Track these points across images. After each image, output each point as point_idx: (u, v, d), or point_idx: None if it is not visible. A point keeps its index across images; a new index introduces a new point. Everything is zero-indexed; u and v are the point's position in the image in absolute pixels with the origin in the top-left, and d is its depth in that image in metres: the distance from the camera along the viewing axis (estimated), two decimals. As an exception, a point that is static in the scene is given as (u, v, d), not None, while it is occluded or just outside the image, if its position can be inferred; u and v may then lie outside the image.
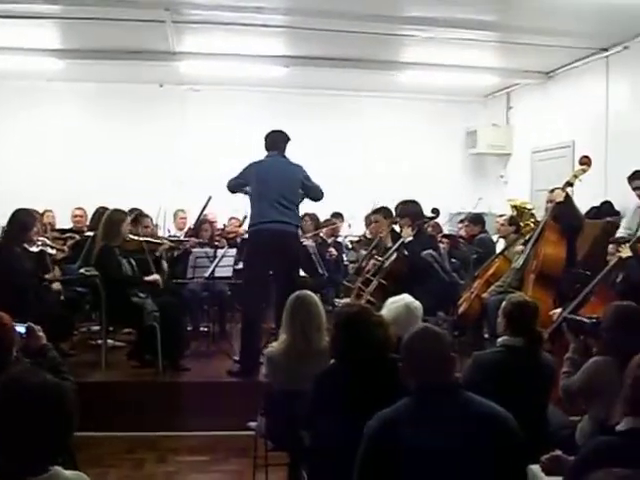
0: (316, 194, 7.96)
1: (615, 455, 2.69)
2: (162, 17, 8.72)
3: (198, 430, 7.02)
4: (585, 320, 5.06)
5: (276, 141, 7.86)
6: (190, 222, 10.32)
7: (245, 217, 10.34)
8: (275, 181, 7.64)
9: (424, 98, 13.18)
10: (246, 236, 10.03)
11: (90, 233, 8.76)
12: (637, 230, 7.58)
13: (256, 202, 7.67)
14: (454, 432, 3.08)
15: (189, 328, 9.12)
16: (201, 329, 9.53)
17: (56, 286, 7.96)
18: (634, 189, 8.16)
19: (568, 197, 8.06)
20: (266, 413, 5.27)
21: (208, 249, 8.97)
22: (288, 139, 7.90)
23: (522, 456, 3.33)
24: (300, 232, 8.63)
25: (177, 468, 6.42)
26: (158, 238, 9.05)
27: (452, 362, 3.36)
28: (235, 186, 7.87)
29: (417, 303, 5.31)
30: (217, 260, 8.60)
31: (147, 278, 7.91)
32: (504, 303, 5.00)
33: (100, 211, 8.68)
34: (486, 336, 8.16)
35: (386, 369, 3.92)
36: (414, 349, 3.36)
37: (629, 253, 7.06)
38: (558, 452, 3.85)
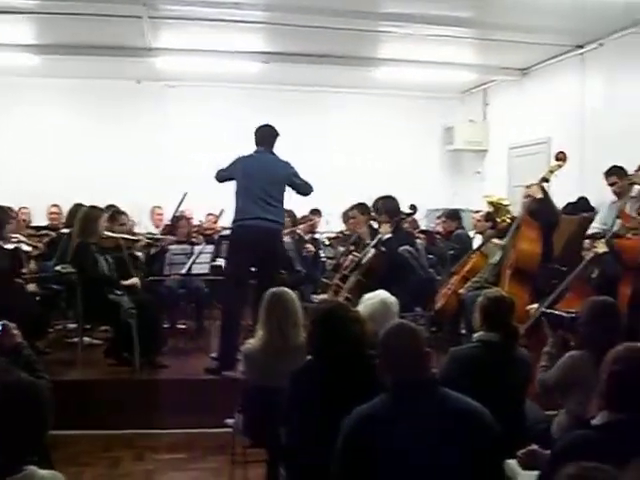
0: (306, 190, 7.94)
1: (591, 449, 2.70)
2: (139, 13, 8.69)
3: (176, 428, 6.98)
4: (564, 315, 5.10)
5: (265, 136, 7.81)
6: (167, 218, 10.27)
7: (222, 212, 10.34)
8: (261, 178, 7.60)
9: (401, 94, 13.19)
10: (223, 232, 10.04)
11: (66, 230, 8.69)
12: (612, 225, 7.63)
13: (241, 198, 7.61)
14: (431, 428, 3.08)
15: (166, 325, 9.09)
16: (178, 326, 9.46)
17: (32, 287, 7.92)
18: (610, 185, 8.22)
19: (544, 193, 8.10)
20: (243, 410, 5.26)
21: (185, 246, 8.93)
22: (277, 134, 7.86)
23: (499, 451, 3.34)
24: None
25: (154, 466, 6.39)
26: (135, 235, 9.01)
27: (428, 358, 3.36)
28: (222, 177, 7.84)
29: (393, 299, 5.30)
30: (194, 257, 8.58)
31: (125, 282, 7.87)
32: (480, 298, 5.00)
33: (76, 208, 8.61)
34: (463, 332, 8.18)
35: (363, 365, 3.92)
36: (390, 345, 3.36)
37: (605, 248, 7.10)
38: (534, 446, 3.87)
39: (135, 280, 7.99)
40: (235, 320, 7.62)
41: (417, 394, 3.20)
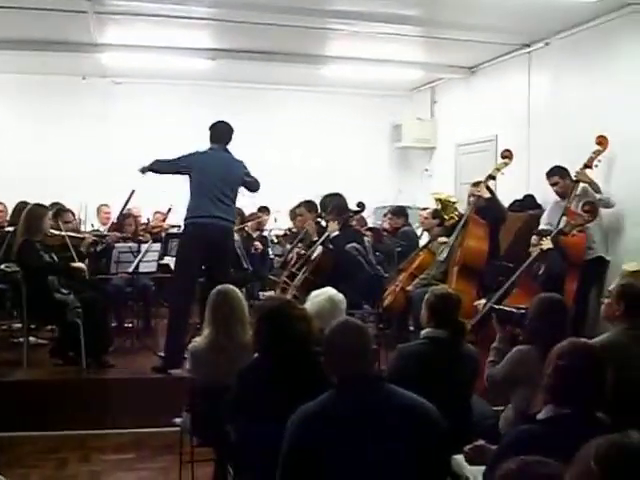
0: (256, 187, 7.95)
1: (536, 443, 2.72)
2: (84, 7, 8.56)
3: (123, 428, 6.94)
4: (514, 310, 5.13)
5: (222, 133, 7.77)
6: (114, 216, 10.17)
7: (169, 210, 10.27)
8: (217, 176, 7.56)
9: (350, 92, 13.20)
10: (171, 230, 9.97)
11: (10, 228, 8.56)
12: (558, 223, 7.72)
13: (196, 195, 7.54)
14: (376, 424, 3.09)
15: (113, 324, 9.04)
16: (125, 325, 9.39)
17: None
18: (552, 185, 8.32)
19: (491, 190, 8.18)
20: (191, 409, 5.23)
21: (132, 244, 8.84)
22: (232, 131, 7.82)
23: (445, 447, 3.35)
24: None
25: (102, 467, 6.32)
26: (80, 233, 8.90)
27: (374, 355, 3.38)
28: (168, 167, 7.71)
29: (340, 296, 5.30)
30: (141, 255, 8.51)
31: (73, 264, 7.76)
32: (427, 295, 5.03)
33: (20, 206, 8.48)
34: (411, 328, 8.21)
35: (309, 363, 3.91)
36: (335, 342, 3.36)
37: (550, 245, 7.19)
38: (481, 442, 3.89)
39: (82, 264, 7.89)
40: (183, 318, 7.57)
41: (362, 391, 3.20)
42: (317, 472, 3.06)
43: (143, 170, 7.72)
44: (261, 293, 8.77)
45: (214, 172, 7.55)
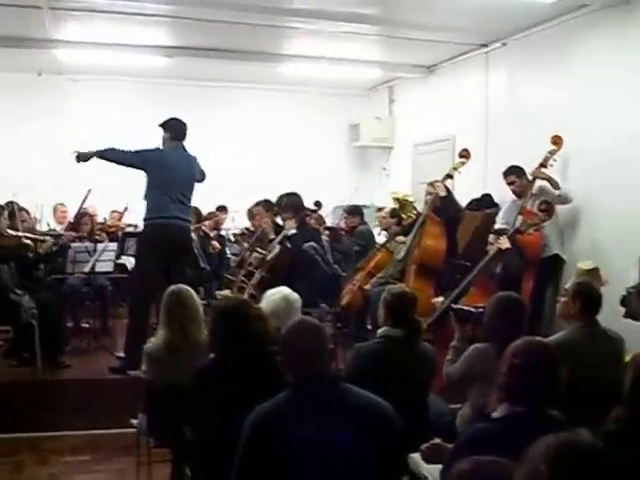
0: (203, 177, 7.93)
1: (491, 442, 2.72)
2: (39, 3, 8.46)
3: (80, 429, 6.86)
4: (472, 310, 5.16)
5: (181, 130, 7.69)
6: (71, 216, 10.05)
7: (126, 209, 10.18)
8: (179, 176, 7.50)
9: (308, 91, 13.19)
10: (128, 229, 9.89)
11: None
12: (514, 222, 7.77)
13: (157, 195, 7.44)
14: (332, 424, 3.08)
15: (69, 324, 8.91)
16: (82, 325, 9.27)
17: None
18: (509, 184, 8.38)
19: (447, 190, 8.21)
20: (147, 410, 5.20)
21: (88, 243, 8.75)
22: (187, 128, 7.76)
23: (402, 445, 3.35)
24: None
25: (59, 470, 6.25)
26: (36, 232, 8.79)
27: (330, 354, 3.36)
28: (122, 158, 7.51)
29: (295, 295, 5.30)
30: (97, 254, 8.43)
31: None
32: (383, 294, 5.04)
33: (-27, 206, 8.37)
34: (369, 327, 8.22)
35: (266, 362, 3.90)
36: (291, 342, 3.35)
37: (508, 244, 7.24)
38: (438, 440, 3.90)
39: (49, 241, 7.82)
40: (144, 319, 7.50)
41: (318, 390, 3.19)
42: (273, 472, 3.05)
43: (82, 157, 7.54)
44: (218, 292, 8.72)
45: (175, 172, 7.48)
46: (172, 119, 7.75)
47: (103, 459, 6.44)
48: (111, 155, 7.51)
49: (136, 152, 7.49)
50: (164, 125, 7.71)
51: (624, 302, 2.69)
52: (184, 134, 7.71)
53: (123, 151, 7.51)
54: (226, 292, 8.40)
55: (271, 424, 3.10)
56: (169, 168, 7.46)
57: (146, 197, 7.54)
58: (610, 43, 7.83)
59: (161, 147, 7.68)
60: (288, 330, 3.39)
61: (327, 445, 3.03)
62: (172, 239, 7.39)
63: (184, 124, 7.74)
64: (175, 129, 7.68)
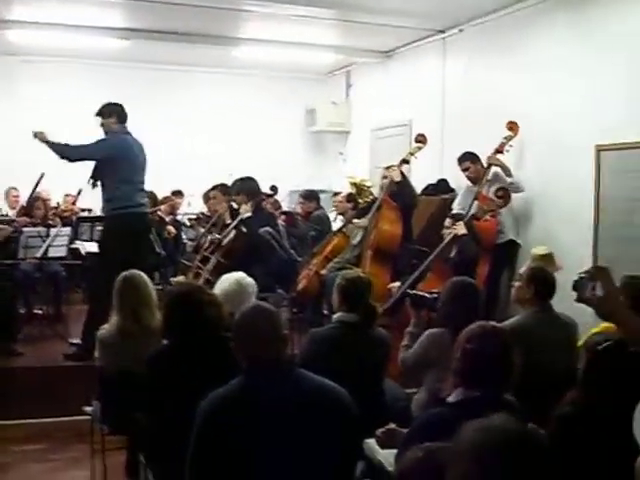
0: None
1: (446, 426, 2.71)
2: (-11, -16, 8.32)
3: (34, 417, 6.80)
4: (427, 295, 5.16)
5: (124, 113, 7.53)
6: (23, 200, 9.91)
7: (80, 192, 10.02)
8: (139, 163, 7.44)
9: (264, 75, 13.13)
10: (81, 214, 9.77)
11: None
12: (470, 208, 7.80)
13: (123, 184, 7.31)
14: (286, 409, 3.06)
15: (22, 311, 8.81)
16: (35, 311, 9.16)
17: None
18: (464, 170, 8.41)
19: (403, 174, 8.21)
20: (100, 397, 5.17)
21: (41, 228, 8.64)
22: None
23: (357, 430, 3.34)
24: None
25: (12, 458, 6.22)
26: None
27: (284, 339, 3.34)
28: (86, 155, 7.38)
29: (250, 280, 5.29)
30: (50, 239, 8.32)
31: None
32: (337, 280, 5.04)
33: None
34: (325, 312, 8.19)
35: (220, 348, 3.87)
36: (245, 327, 3.32)
37: (464, 230, 7.26)
38: (393, 425, 3.91)
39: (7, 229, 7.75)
40: (106, 308, 7.39)
41: (272, 376, 3.17)
42: (228, 458, 3.03)
43: (39, 136, 7.36)
44: (174, 279, 8.66)
45: (137, 159, 7.42)
46: (109, 104, 7.55)
47: (57, 447, 6.43)
48: (71, 152, 7.32)
49: (97, 144, 7.36)
50: (104, 111, 7.50)
51: (576, 287, 2.71)
52: (126, 116, 7.55)
53: (81, 146, 7.33)
54: (180, 278, 8.34)
55: (224, 410, 3.08)
56: (133, 154, 7.39)
57: (106, 186, 7.40)
58: (566, 29, 7.86)
59: (104, 135, 7.49)
60: (241, 315, 3.37)
61: (281, 430, 3.01)
62: (138, 228, 7.34)
63: (122, 106, 7.57)
64: (118, 112, 7.50)
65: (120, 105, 7.56)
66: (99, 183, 7.46)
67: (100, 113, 7.51)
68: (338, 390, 3.24)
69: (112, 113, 7.47)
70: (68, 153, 7.31)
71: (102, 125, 7.49)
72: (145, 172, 7.56)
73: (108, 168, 7.31)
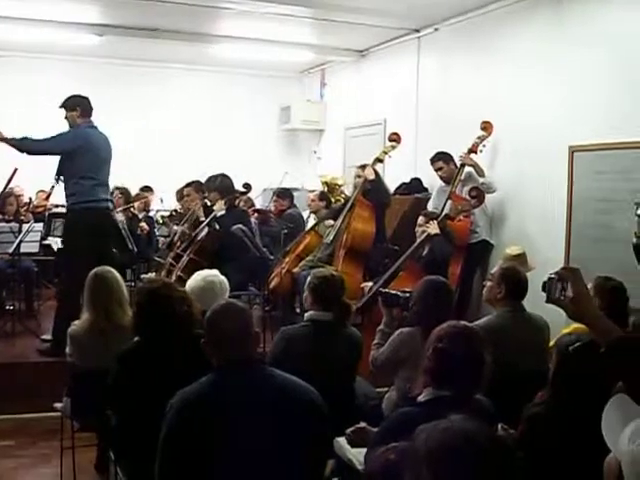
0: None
1: (416, 426, 2.72)
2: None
3: (2, 413, 6.73)
4: (399, 294, 5.16)
5: (89, 106, 7.45)
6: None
7: (52, 188, 9.94)
8: (103, 157, 7.36)
9: (238, 72, 13.10)
10: (54, 210, 9.69)
11: None
12: (443, 208, 7.81)
13: (84, 178, 7.22)
14: (256, 408, 3.05)
15: (-7, 306, 8.74)
16: (6, 307, 9.10)
17: None
18: (436, 170, 8.44)
19: (376, 173, 8.22)
20: (71, 393, 5.13)
21: (13, 224, 8.58)
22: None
23: (327, 429, 3.34)
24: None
25: (-18, 455, 6.16)
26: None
27: (255, 337, 3.32)
28: (46, 149, 7.31)
29: (221, 277, 5.29)
30: (21, 235, 8.26)
31: None
32: (309, 278, 5.04)
33: None
34: (298, 311, 8.22)
35: (190, 345, 3.85)
36: (216, 325, 3.30)
37: (437, 230, 7.27)
38: (363, 424, 3.90)
39: None
40: (76, 304, 7.34)
41: (242, 374, 3.16)
42: (196, 456, 3.01)
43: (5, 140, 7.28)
44: (145, 275, 8.63)
45: (101, 152, 7.34)
46: (73, 96, 7.48)
47: (26, 444, 6.35)
48: (30, 146, 7.24)
49: (56, 138, 7.26)
50: (67, 104, 7.42)
51: (544, 288, 2.70)
52: (91, 109, 7.47)
53: (40, 140, 7.25)
54: (150, 275, 8.32)
55: (194, 408, 3.06)
56: (95, 148, 7.29)
57: (67, 181, 7.33)
58: (542, 30, 7.88)
59: (68, 128, 7.43)
60: (213, 312, 3.35)
61: (250, 429, 3.00)
62: (102, 223, 7.26)
63: (88, 99, 7.48)
64: (82, 105, 7.42)
65: (85, 98, 7.48)
66: (62, 178, 7.39)
67: (64, 105, 7.44)
68: (308, 389, 3.24)
69: (76, 106, 7.39)
70: (26, 147, 7.22)
71: (66, 118, 7.43)
72: (109, 167, 7.47)
73: (69, 162, 7.26)
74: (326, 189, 9.71)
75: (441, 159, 8.40)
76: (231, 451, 2.98)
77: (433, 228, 7.32)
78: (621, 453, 1.96)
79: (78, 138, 7.26)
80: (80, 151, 7.21)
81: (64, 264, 7.70)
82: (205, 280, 5.15)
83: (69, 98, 7.46)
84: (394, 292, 5.31)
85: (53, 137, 7.24)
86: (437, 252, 7.23)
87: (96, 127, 7.46)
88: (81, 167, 7.23)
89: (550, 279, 2.67)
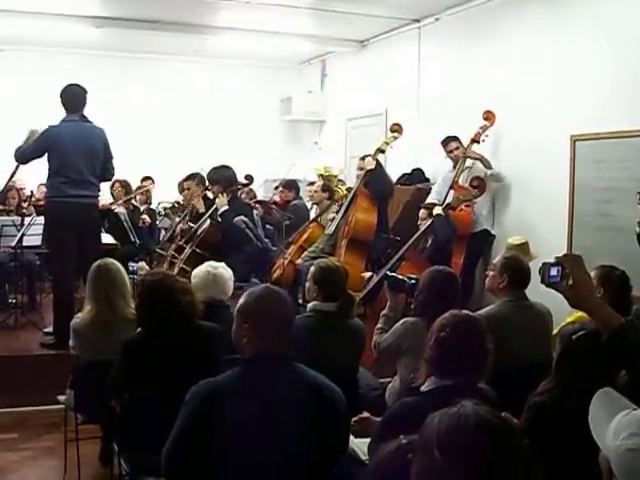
0: (109, 177, 7.74)
1: (419, 415, 2.71)
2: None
3: (7, 407, 6.70)
4: (406, 279, 5.13)
5: (76, 98, 7.31)
6: (-1, 190, 9.83)
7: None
8: (75, 153, 7.17)
9: (240, 64, 13.12)
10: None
11: None
12: (446, 197, 7.82)
13: (53, 175, 7.19)
14: (285, 406, 2.95)
15: (-4, 300, 8.74)
16: (9, 301, 9.10)
17: None
18: (450, 152, 8.40)
19: (378, 164, 8.20)
20: (75, 385, 5.13)
21: (15, 217, 8.58)
22: (87, 93, 7.39)
23: (348, 433, 3.32)
24: (111, 199, 8.33)
25: (-15, 448, 6.17)
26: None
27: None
28: (28, 157, 7.28)
29: (224, 269, 5.27)
30: (24, 228, 8.25)
31: None
32: (312, 269, 5.03)
33: None
34: (300, 302, 8.20)
35: (193, 336, 3.85)
36: (267, 308, 3.11)
37: (440, 211, 7.29)
38: (366, 414, 3.90)
39: None
40: (67, 297, 7.34)
41: (273, 369, 3.06)
42: (216, 448, 2.89)
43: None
44: (133, 264, 8.60)
45: (72, 149, 7.16)
46: (64, 88, 7.40)
47: (31, 436, 6.32)
48: (17, 157, 7.36)
49: (37, 139, 7.23)
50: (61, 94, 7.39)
51: (539, 271, 2.70)
52: (77, 103, 7.33)
53: (27, 148, 7.25)
54: (141, 264, 8.35)
55: (221, 400, 2.93)
56: (60, 145, 7.16)
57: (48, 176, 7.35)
58: (542, 19, 7.86)
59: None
60: (260, 296, 3.14)
61: (274, 425, 2.93)
62: (73, 218, 7.16)
63: (77, 90, 7.38)
64: (66, 99, 7.32)
65: (72, 91, 7.37)
66: None
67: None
68: (335, 389, 3.16)
69: (61, 100, 7.35)
70: (16, 159, 7.38)
71: None
72: (90, 159, 7.28)
73: (47, 161, 7.25)
74: (321, 180, 9.73)
75: (453, 140, 8.37)
76: (255, 445, 2.88)
77: (437, 210, 7.35)
78: (607, 449, 1.95)
79: (49, 137, 7.20)
80: (49, 149, 7.16)
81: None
82: (208, 272, 5.16)
83: (62, 90, 7.38)
84: (401, 277, 5.27)
85: (34, 141, 7.24)
86: (439, 232, 7.23)
87: (78, 120, 7.31)
88: (51, 164, 7.21)
89: (544, 264, 2.65)
